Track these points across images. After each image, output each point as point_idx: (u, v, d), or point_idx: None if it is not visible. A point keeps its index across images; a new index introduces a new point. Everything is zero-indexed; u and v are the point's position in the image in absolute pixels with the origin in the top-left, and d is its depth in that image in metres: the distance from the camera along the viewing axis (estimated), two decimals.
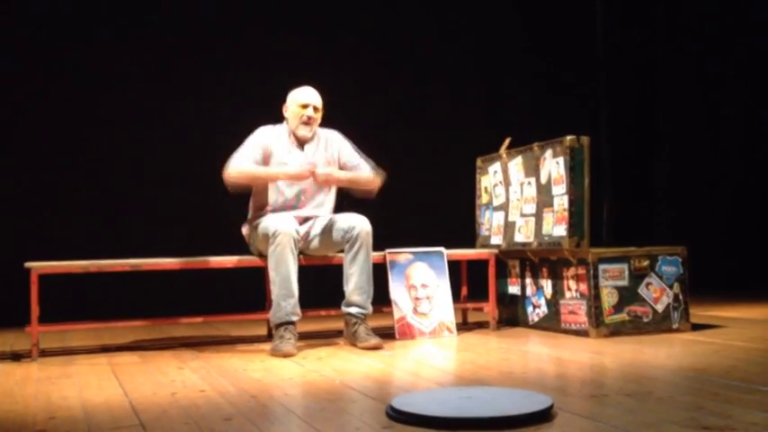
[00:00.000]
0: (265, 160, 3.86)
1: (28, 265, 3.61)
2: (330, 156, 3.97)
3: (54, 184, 5.40)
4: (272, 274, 3.63)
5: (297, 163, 3.82)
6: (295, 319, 3.62)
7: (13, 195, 5.32)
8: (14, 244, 5.00)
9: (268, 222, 3.70)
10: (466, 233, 4.86)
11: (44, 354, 3.72)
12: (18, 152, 5.36)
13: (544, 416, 2.14)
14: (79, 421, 2.29)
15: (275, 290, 3.61)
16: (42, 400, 2.63)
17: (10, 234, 5.20)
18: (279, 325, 3.60)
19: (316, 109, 3.91)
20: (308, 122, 3.88)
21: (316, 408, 2.41)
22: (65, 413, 2.41)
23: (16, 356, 3.69)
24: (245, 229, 3.98)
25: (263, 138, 3.89)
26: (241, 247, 4.02)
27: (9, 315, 4.37)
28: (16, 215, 5.28)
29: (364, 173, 3.94)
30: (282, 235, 3.58)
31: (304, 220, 3.90)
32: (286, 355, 3.45)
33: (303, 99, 3.89)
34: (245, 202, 4.03)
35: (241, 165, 3.80)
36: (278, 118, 4.00)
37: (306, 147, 3.94)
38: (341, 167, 3.95)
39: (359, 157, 4.01)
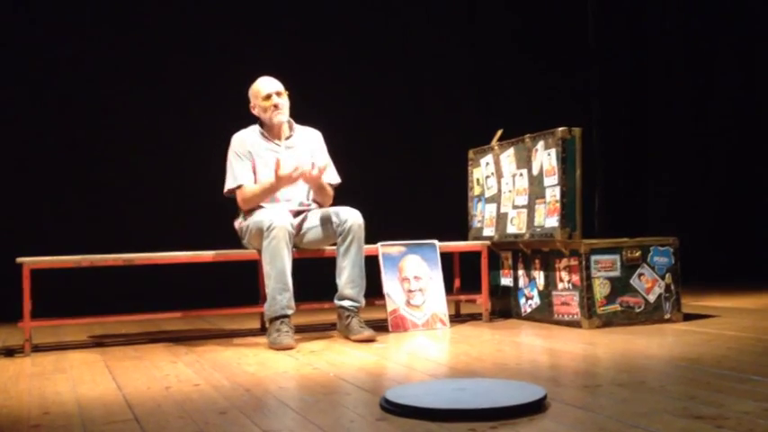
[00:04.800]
0: (252, 166, 3.88)
1: (20, 260, 3.60)
2: (306, 156, 3.97)
3: (48, 179, 5.39)
4: (267, 268, 3.62)
5: (287, 165, 3.76)
6: (290, 312, 3.62)
7: (7, 191, 5.30)
8: (7, 240, 4.97)
9: (262, 216, 3.70)
10: (458, 225, 4.87)
11: (37, 349, 3.71)
12: (12, 148, 5.34)
13: (537, 407, 2.15)
14: (73, 416, 2.29)
15: (271, 284, 3.61)
16: (36, 395, 2.63)
17: (3, 230, 5.19)
18: (274, 318, 3.60)
19: (279, 93, 3.89)
20: (277, 108, 3.87)
21: (310, 401, 2.41)
22: (59, 408, 2.40)
23: (9, 352, 3.68)
24: (237, 223, 3.98)
25: (242, 145, 3.90)
26: (234, 241, 4.02)
27: (1, 310, 4.37)
28: (10, 211, 5.27)
29: (330, 190, 3.98)
30: (278, 229, 3.58)
31: (296, 214, 3.90)
32: (286, 348, 3.45)
33: (264, 91, 3.88)
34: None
35: (246, 195, 3.82)
36: (252, 117, 3.99)
37: (285, 143, 3.94)
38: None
39: (329, 165, 4.03)
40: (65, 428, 2.15)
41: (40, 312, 3.71)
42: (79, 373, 3.03)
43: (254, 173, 3.89)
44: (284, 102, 3.91)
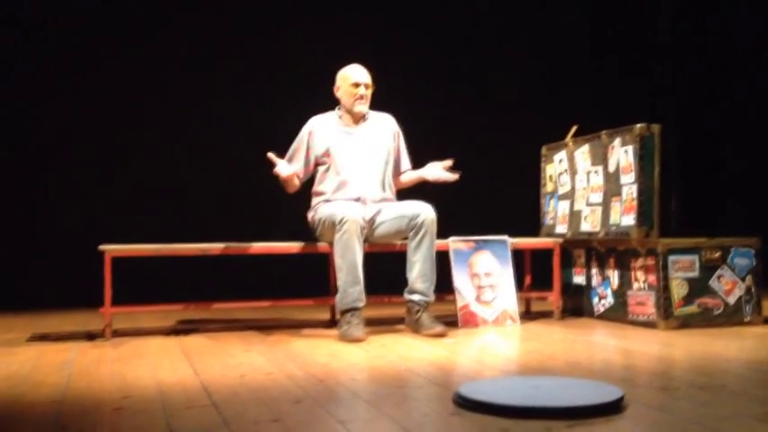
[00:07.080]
0: (315, 152, 3.96)
1: (102, 247, 3.70)
2: (384, 138, 4.04)
3: (127, 170, 5.55)
4: (338, 261, 3.65)
5: (283, 168, 3.82)
6: (361, 305, 3.65)
7: (89, 181, 5.48)
8: (88, 228, 5.14)
9: (334, 209, 3.73)
10: (530, 222, 4.82)
11: (116, 334, 3.82)
12: (92, 139, 5.52)
13: (615, 407, 2.11)
14: (154, 400, 2.35)
15: (342, 276, 3.64)
16: (117, 379, 2.71)
17: (85, 218, 5.37)
18: (345, 311, 3.63)
19: (367, 86, 3.99)
20: (361, 99, 3.97)
21: (383, 393, 2.42)
22: (139, 392, 2.47)
23: (91, 337, 3.80)
24: (310, 216, 4.02)
25: (310, 130, 3.99)
26: (308, 232, 4.05)
27: (81, 296, 4.51)
28: (91, 200, 5.45)
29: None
30: (350, 222, 3.61)
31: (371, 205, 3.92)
32: (356, 341, 3.48)
33: (355, 78, 3.97)
34: (309, 186, 4.07)
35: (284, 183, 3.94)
36: (332, 103, 4.04)
37: (357, 128, 4.01)
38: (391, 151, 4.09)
39: (405, 149, 4.17)
40: (146, 412, 2.21)
41: (117, 299, 3.80)
42: (158, 359, 3.12)
43: (329, 156, 3.94)
44: (368, 94, 4.00)
